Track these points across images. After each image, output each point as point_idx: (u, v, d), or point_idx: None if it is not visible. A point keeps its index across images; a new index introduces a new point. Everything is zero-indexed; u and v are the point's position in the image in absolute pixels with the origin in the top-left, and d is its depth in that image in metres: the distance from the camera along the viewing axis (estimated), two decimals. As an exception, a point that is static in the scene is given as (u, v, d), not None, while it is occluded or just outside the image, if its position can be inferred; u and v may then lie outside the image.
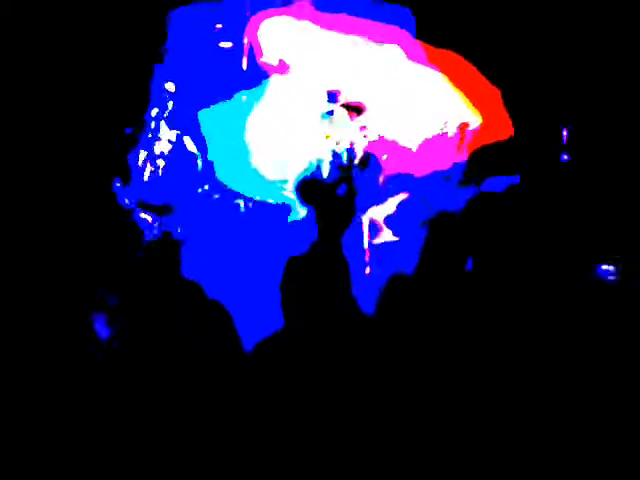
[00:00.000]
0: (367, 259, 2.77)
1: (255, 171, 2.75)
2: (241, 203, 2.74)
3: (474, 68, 2.82)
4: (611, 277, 2.72)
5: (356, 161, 2.76)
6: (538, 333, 2.64)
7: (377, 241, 2.78)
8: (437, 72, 2.81)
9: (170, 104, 2.78)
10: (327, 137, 2.76)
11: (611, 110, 2.84)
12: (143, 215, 2.74)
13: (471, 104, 2.81)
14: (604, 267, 2.73)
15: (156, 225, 2.71)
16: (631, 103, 2.83)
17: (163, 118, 2.77)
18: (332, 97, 2.78)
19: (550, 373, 2.58)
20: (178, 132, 2.77)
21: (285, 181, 2.75)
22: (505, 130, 2.80)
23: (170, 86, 2.79)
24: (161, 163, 2.75)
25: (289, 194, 2.75)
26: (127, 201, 2.72)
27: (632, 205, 2.77)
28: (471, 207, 2.78)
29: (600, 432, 2.51)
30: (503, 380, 2.58)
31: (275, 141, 2.77)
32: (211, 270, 2.74)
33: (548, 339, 2.63)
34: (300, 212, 2.75)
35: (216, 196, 2.74)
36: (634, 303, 2.67)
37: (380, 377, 2.60)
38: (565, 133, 2.82)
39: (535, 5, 2.86)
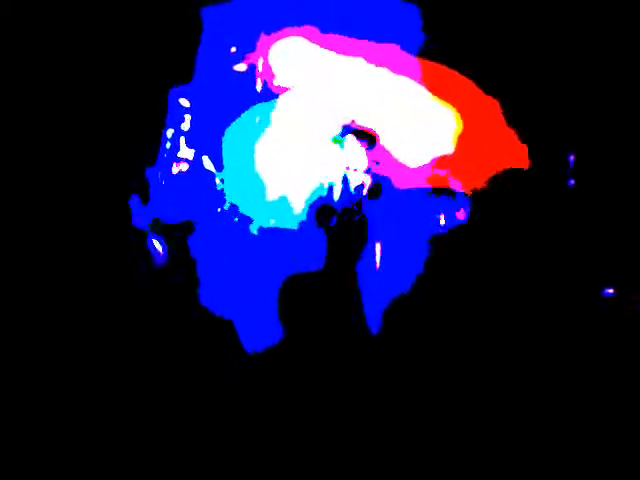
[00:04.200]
0: (377, 281, 2.83)
1: (266, 193, 2.82)
2: (254, 227, 2.84)
3: (484, 95, 2.85)
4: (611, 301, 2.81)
5: (367, 187, 2.84)
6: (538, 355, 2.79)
7: (386, 263, 2.89)
8: (447, 102, 2.85)
9: (187, 123, 2.86)
10: (337, 161, 2.82)
11: (619, 136, 2.85)
12: (157, 234, 2.80)
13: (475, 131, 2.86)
14: (607, 291, 2.82)
15: (169, 245, 2.80)
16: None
17: (181, 136, 2.85)
18: (345, 127, 2.83)
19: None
20: (195, 151, 2.83)
21: (296, 205, 2.81)
22: (518, 158, 2.85)
23: (186, 103, 2.85)
24: (179, 182, 2.81)
25: (300, 217, 2.81)
26: (143, 220, 2.81)
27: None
28: (476, 231, 2.87)
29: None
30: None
31: (286, 164, 2.82)
32: (222, 290, 2.82)
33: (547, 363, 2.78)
34: (311, 235, 2.81)
35: (236, 219, 2.82)
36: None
37: (382, 394, 2.79)
38: (572, 159, 2.84)
39: (545, 29, 2.86)
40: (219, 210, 2.83)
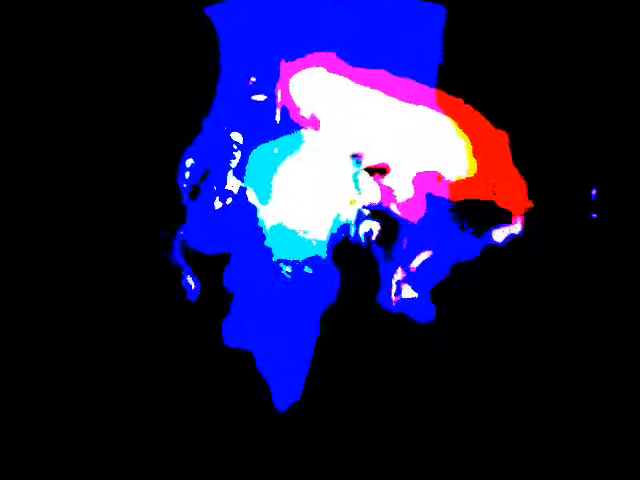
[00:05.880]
0: (393, 317, 2.86)
1: (283, 228, 2.82)
2: (287, 268, 2.82)
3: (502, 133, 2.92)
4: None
5: (381, 225, 2.85)
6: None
7: (403, 298, 2.88)
8: (463, 135, 2.89)
9: (237, 156, 2.84)
10: (352, 202, 2.83)
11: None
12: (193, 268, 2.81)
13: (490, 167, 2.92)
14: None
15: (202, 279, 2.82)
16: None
17: (228, 169, 2.84)
18: (357, 160, 2.84)
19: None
20: (241, 184, 2.82)
21: (314, 240, 2.82)
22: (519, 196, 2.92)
23: (238, 137, 2.84)
24: (222, 214, 2.82)
25: (317, 253, 2.82)
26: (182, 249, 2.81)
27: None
28: (493, 266, 2.93)
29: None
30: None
31: (302, 198, 2.83)
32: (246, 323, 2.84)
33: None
34: (328, 271, 2.83)
35: (274, 258, 2.81)
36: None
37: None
38: (594, 191, 2.89)
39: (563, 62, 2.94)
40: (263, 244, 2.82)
